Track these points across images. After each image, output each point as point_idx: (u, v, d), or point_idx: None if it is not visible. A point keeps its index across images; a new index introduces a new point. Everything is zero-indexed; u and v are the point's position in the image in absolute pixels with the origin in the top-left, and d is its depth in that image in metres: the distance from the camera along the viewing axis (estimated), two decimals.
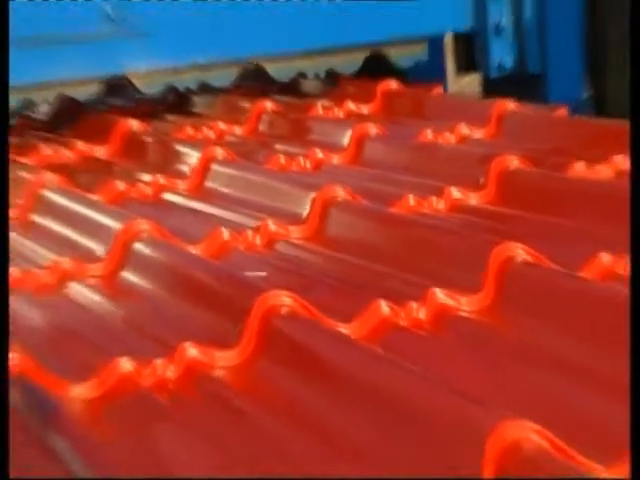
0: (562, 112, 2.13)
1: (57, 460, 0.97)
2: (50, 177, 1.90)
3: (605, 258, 1.36)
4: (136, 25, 2.43)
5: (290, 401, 1.10)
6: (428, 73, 2.75)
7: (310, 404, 1.08)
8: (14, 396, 1.10)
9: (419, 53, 2.75)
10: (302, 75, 2.71)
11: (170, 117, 2.54)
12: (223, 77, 2.58)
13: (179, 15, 2.46)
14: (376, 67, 2.69)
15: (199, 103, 2.65)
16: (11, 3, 2.29)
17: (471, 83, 2.83)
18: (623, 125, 1.98)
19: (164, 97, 2.59)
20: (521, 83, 2.67)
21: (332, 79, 2.70)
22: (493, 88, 2.67)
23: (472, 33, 2.73)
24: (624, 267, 1.36)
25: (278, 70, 2.63)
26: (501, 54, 2.69)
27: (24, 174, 2.00)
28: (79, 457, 0.97)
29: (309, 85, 2.72)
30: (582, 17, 2.72)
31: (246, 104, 2.49)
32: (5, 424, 0.97)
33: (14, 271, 1.52)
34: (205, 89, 2.63)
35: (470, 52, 2.77)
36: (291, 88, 2.69)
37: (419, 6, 2.63)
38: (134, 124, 2.29)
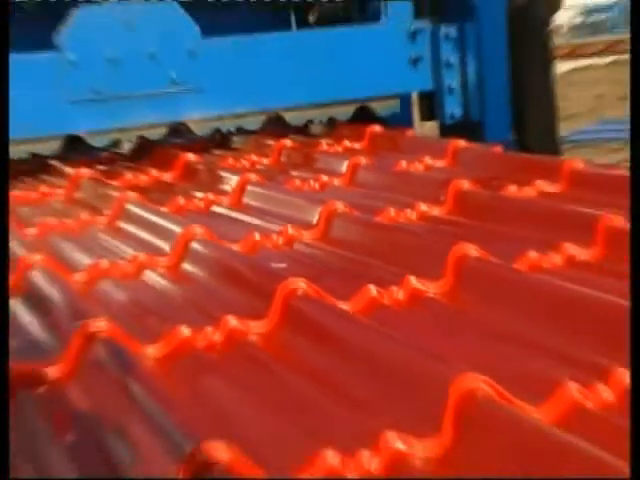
0: (497, 149, 2.12)
1: (133, 399, 0.96)
2: (131, 195, 1.88)
3: (532, 254, 1.34)
4: (191, 85, 2.43)
5: (305, 359, 1.08)
6: (400, 120, 2.74)
7: (320, 362, 1.06)
8: (102, 353, 1.09)
9: (394, 106, 2.73)
10: (310, 121, 2.69)
11: (216, 151, 2.55)
12: (254, 122, 2.56)
13: (222, 78, 2.47)
14: (363, 116, 2.67)
15: (237, 141, 2.64)
16: (102, 67, 2.32)
17: (432, 128, 2.84)
18: (541, 158, 1.98)
19: (212, 137, 2.57)
20: (467, 128, 2.64)
21: (332, 124, 2.68)
22: (447, 132, 2.67)
23: (432, 92, 2.71)
24: (548, 261, 1.35)
25: (293, 117, 2.62)
26: (452, 108, 2.68)
27: (112, 192, 1.99)
28: (150, 397, 0.95)
29: (316, 128, 2.71)
30: (509, 78, 2.69)
31: (271, 142, 2.48)
32: (5, 424, 0.94)
33: (104, 262, 1.51)
34: (241, 131, 2.61)
35: (431, 106, 2.75)
36: (303, 130, 2.67)
37: (394, 72, 2.64)
38: (191, 156, 2.30)
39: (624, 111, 4.48)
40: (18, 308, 1.38)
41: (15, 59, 2.33)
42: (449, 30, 2.63)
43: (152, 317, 1.28)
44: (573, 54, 16.67)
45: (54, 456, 0.94)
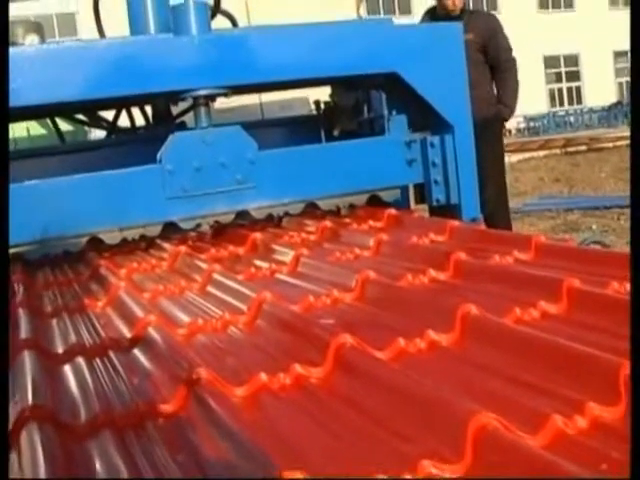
0: (482, 227, 2.16)
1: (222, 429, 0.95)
2: (216, 266, 1.87)
3: (517, 310, 1.32)
4: (252, 184, 2.46)
5: (354, 397, 1.06)
6: (401, 204, 2.76)
7: (366, 399, 1.04)
8: (204, 393, 1.07)
9: (396, 194, 2.74)
10: (337, 206, 2.68)
11: (273, 230, 2.51)
12: (297, 208, 2.58)
13: (273, 178, 2.50)
14: (374, 201, 2.69)
15: (286, 222, 2.61)
16: (190, 173, 2.37)
17: (423, 209, 2.84)
18: (513, 234, 1.96)
19: (268, 220, 2.56)
20: (449, 209, 2.65)
21: (352, 208, 2.68)
22: (435, 212, 2.68)
23: (423, 183, 2.73)
24: (529, 315, 1.32)
25: (324, 204, 2.63)
26: (437, 194, 2.68)
27: (201, 264, 1.98)
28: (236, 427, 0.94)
29: (343, 211, 2.69)
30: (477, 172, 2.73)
31: (312, 223, 2.48)
32: (5, 423, 0.91)
33: (199, 320, 1.50)
34: (288, 215, 2.60)
35: (422, 193, 2.77)
36: (335, 213, 2.67)
37: (396, 170, 2.68)
38: (257, 235, 2.27)
39: (558, 190, 4.53)
40: (138, 355, 1.38)
41: (132, 171, 2.40)
42: (434, 140, 2.67)
43: (238, 364, 1.26)
44: (520, 149, 16.81)
45: (171, 469, 0.94)
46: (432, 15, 4.49)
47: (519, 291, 1.43)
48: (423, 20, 4.54)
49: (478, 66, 4.21)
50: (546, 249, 1.72)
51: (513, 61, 4.45)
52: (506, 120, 4.62)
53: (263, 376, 1.13)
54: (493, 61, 4.37)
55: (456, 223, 2.12)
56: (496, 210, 4.27)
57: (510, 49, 4.45)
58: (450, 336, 1.24)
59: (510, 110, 4.47)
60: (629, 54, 1.28)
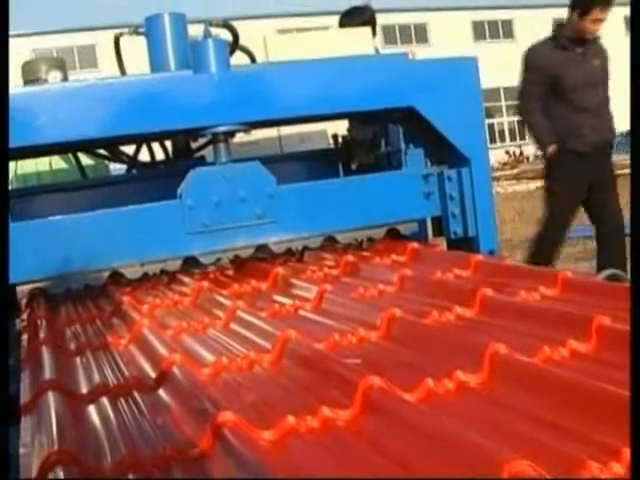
0: (507, 261, 2.13)
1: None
2: (240, 303, 1.86)
3: (546, 349, 1.30)
4: (271, 218, 2.47)
5: (382, 441, 1.04)
6: (419, 237, 2.76)
7: (393, 443, 1.02)
8: (231, 438, 1.06)
9: (414, 227, 2.74)
10: (355, 239, 2.69)
11: (293, 264, 2.52)
12: (315, 242, 2.58)
13: (291, 212, 2.51)
14: (392, 234, 2.69)
15: (307, 256, 2.61)
16: (210, 208, 2.38)
17: (441, 242, 2.81)
18: (540, 269, 1.93)
19: (288, 254, 2.57)
20: (466, 242, 2.64)
21: (373, 241, 2.68)
22: (452, 245, 2.66)
23: (440, 217, 2.72)
24: (558, 354, 1.30)
25: (344, 237, 2.63)
26: (455, 227, 2.67)
27: (223, 300, 1.98)
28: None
29: (364, 245, 2.69)
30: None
31: (333, 257, 2.47)
32: (5, 423, 0.88)
33: (224, 359, 1.49)
34: (307, 249, 2.61)
35: (440, 226, 2.76)
36: (355, 247, 2.66)
37: (413, 203, 2.68)
38: (279, 270, 2.27)
39: (578, 217, 4.54)
40: (163, 396, 1.37)
41: (153, 206, 2.42)
42: (451, 173, 2.67)
43: (264, 405, 1.25)
44: (539, 176, 16.73)
45: None
46: (557, 39, 4.47)
47: (547, 329, 1.41)
48: (544, 44, 4.53)
49: (605, 89, 4.42)
50: (572, 284, 1.70)
51: None
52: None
53: (290, 419, 1.11)
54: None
55: (480, 257, 2.10)
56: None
57: None
58: (479, 376, 1.22)
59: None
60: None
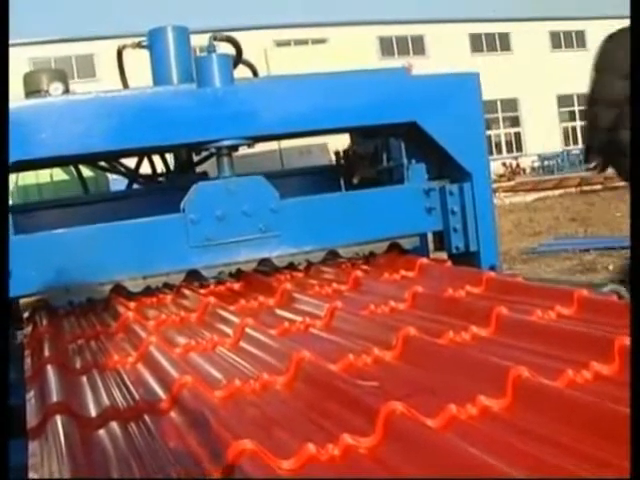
0: (519, 279, 2.05)
1: None
2: (249, 320, 1.79)
3: (570, 373, 1.24)
4: (274, 233, 2.43)
5: (403, 469, 0.99)
6: (420, 251, 2.73)
7: (416, 471, 0.97)
8: (248, 466, 1.01)
9: (415, 241, 2.71)
10: (356, 253, 2.64)
11: (300, 279, 2.46)
12: (317, 256, 2.55)
13: (294, 226, 2.48)
14: (394, 249, 2.66)
15: (313, 271, 2.56)
16: (213, 222, 2.34)
17: (442, 257, 2.77)
18: (553, 286, 1.87)
19: (293, 268, 2.53)
20: (467, 256, 2.61)
21: (379, 255, 2.65)
22: (454, 259, 2.61)
23: (441, 231, 2.69)
24: (581, 377, 1.25)
25: (345, 252, 2.60)
26: (456, 242, 2.64)
27: (231, 316, 1.92)
28: None
29: (370, 259, 2.64)
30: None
31: (340, 271, 2.42)
32: (5, 423, 0.83)
33: (237, 382, 1.42)
34: (310, 263, 2.58)
35: (441, 241, 2.73)
36: (362, 262, 2.61)
37: (415, 218, 2.65)
38: (287, 285, 2.22)
39: (574, 229, 4.47)
40: (175, 421, 1.31)
41: (156, 220, 2.37)
42: (452, 188, 2.64)
43: (282, 432, 1.19)
44: (535, 188, 16.75)
45: None
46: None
47: (568, 350, 1.36)
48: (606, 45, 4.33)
49: None
50: (589, 303, 1.65)
51: None
52: None
53: (311, 447, 1.06)
54: None
55: (492, 274, 2.05)
56: None
57: None
58: (502, 402, 1.17)
59: None
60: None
